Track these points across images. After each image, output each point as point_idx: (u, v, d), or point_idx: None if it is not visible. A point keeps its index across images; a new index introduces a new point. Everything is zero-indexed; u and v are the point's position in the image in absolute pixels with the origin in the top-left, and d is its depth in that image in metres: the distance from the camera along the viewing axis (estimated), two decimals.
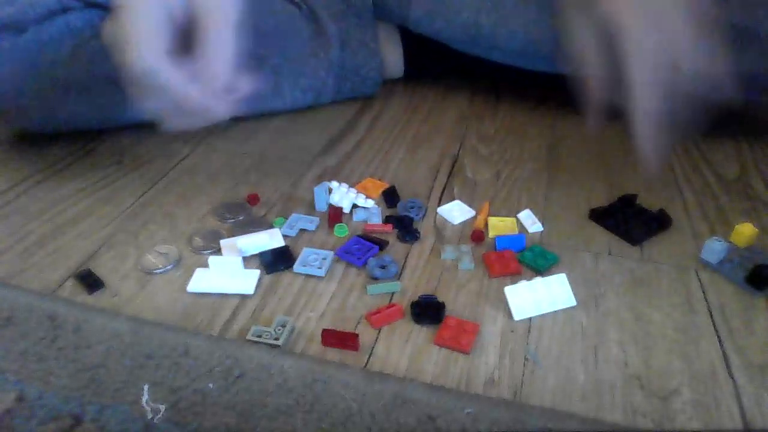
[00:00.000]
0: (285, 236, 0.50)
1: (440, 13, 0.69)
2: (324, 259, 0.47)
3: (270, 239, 0.49)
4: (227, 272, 0.45)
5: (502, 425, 0.34)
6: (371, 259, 0.47)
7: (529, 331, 0.41)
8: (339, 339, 0.40)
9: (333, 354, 0.39)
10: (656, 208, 0.54)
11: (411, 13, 0.71)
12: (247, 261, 0.48)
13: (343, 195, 0.54)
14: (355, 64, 0.74)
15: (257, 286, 0.45)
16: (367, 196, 0.55)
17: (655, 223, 0.52)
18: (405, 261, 0.48)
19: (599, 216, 0.53)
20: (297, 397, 0.36)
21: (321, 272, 0.46)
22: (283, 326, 0.41)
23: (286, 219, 0.52)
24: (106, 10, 0.60)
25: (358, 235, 0.50)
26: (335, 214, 0.52)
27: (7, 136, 0.67)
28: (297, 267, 0.46)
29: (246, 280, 0.45)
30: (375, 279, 0.46)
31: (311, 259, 0.47)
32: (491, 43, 0.68)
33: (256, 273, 0.46)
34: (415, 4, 0.70)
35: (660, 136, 0.45)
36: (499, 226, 0.52)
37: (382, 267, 0.46)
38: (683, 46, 0.44)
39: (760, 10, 0.59)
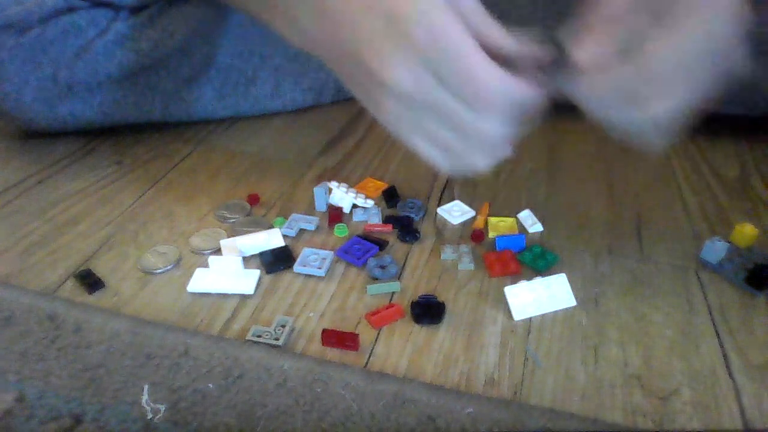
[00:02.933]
0: (285, 236, 0.50)
1: None
2: (324, 259, 0.47)
3: (270, 239, 0.49)
4: (227, 272, 0.45)
5: (502, 425, 0.34)
6: (371, 259, 0.47)
7: (529, 331, 0.41)
8: (339, 339, 0.40)
9: (333, 354, 0.39)
10: (655, 208, 0.54)
11: None
12: (247, 261, 0.48)
13: (342, 195, 0.54)
14: None
15: (257, 286, 0.45)
16: (367, 196, 0.55)
17: None
18: (405, 261, 0.48)
19: None
20: (297, 397, 0.36)
21: (321, 272, 0.46)
22: (283, 326, 0.41)
23: (286, 219, 0.52)
24: (111, 7, 0.60)
25: (358, 235, 0.50)
26: (335, 214, 0.52)
27: (7, 135, 0.67)
28: (297, 267, 0.46)
29: (246, 280, 0.45)
30: (375, 279, 0.46)
31: (311, 259, 0.47)
32: None
33: (256, 273, 0.46)
34: None
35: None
36: (499, 226, 0.52)
37: (382, 267, 0.46)
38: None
39: None
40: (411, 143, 0.39)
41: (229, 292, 0.44)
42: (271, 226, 0.51)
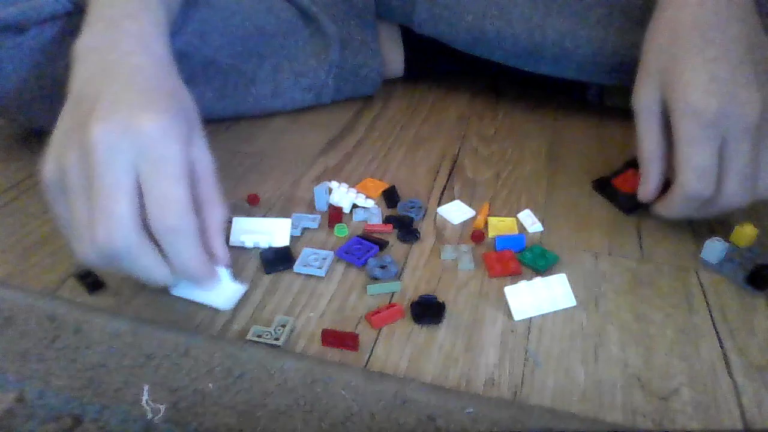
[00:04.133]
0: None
1: (445, 17, 0.69)
2: (324, 259, 0.47)
3: (280, 227, 0.49)
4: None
5: (502, 425, 0.34)
6: (371, 259, 0.47)
7: (529, 331, 0.41)
8: (339, 339, 0.40)
9: (333, 354, 0.39)
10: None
11: (415, 16, 0.71)
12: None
13: (343, 195, 0.54)
14: (355, 64, 0.74)
15: (257, 287, 0.45)
16: (367, 196, 0.55)
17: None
18: (405, 261, 0.48)
19: (602, 185, 0.58)
20: (297, 397, 0.36)
21: (321, 272, 0.46)
22: (283, 326, 0.41)
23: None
24: None
25: (359, 235, 0.50)
26: (335, 214, 0.52)
27: (7, 135, 0.67)
28: (297, 267, 0.46)
29: (224, 294, 0.42)
30: (375, 279, 0.46)
31: (311, 259, 0.47)
32: (495, 45, 0.68)
33: (240, 289, 0.43)
34: (419, 7, 0.70)
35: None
36: (499, 226, 0.52)
37: (382, 267, 0.46)
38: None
39: None
40: None
41: (205, 302, 0.42)
42: None
